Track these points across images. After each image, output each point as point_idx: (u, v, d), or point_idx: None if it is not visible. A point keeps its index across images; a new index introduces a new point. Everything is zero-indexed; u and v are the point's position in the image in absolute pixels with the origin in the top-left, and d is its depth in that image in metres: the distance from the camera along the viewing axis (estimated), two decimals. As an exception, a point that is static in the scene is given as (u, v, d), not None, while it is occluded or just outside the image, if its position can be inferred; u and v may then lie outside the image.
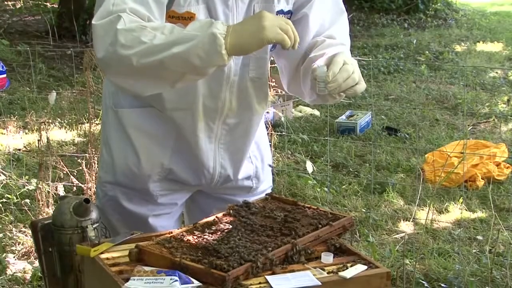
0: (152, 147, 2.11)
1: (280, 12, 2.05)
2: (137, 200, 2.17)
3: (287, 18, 2.06)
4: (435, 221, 4.44)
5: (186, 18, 1.93)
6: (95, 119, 4.68)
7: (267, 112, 5.22)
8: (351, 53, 2.10)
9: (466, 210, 4.64)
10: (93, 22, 1.84)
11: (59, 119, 6.00)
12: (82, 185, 4.18)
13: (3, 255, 3.83)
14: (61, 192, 4.16)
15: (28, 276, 3.68)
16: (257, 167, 2.26)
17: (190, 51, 1.77)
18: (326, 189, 4.73)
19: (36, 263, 3.64)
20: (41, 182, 4.06)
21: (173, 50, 1.77)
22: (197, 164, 2.13)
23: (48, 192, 4.06)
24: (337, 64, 1.90)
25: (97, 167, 3.99)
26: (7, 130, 5.70)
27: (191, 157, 2.12)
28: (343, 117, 6.31)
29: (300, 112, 6.66)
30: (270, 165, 2.28)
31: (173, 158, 2.12)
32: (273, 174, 2.69)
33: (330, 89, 1.89)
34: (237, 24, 1.85)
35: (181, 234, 1.80)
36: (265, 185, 2.31)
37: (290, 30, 1.83)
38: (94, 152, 4.02)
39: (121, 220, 2.18)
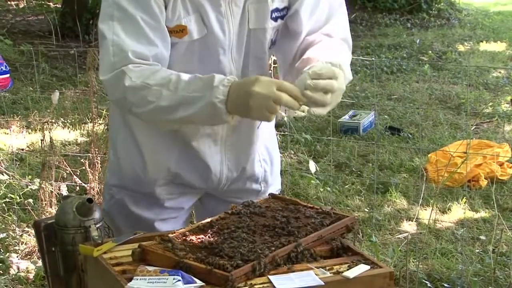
0: (158, 151, 2.09)
1: (275, 10, 2.01)
2: (144, 204, 2.16)
3: (284, 15, 2.03)
4: (438, 221, 4.43)
5: (178, 31, 1.93)
6: (98, 119, 4.68)
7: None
8: (354, 53, 2.08)
9: (469, 210, 4.64)
10: (100, 77, 1.90)
11: (62, 119, 6.00)
12: (85, 185, 4.18)
13: (7, 255, 3.84)
14: (64, 191, 4.17)
15: (31, 275, 3.68)
16: (266, 171, 2.24)
17: (194, 116, 1.86)
18: (329, 189, 4.73)
19: (39, 263, 3.65)
20: (44, 182, 4.06)
21: (179, 114, 1.86)
22: (204, 168, 2.11)
23: (51, 191, 4.06)
24: (319, 64, 1.86)
25: (100, 167, 4.00)
26: (10, 130, 5.71)
27: (197, 162, 2.09)
28: (346, 117, 6.31)
29: (303, 112, 6.64)
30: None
31: (180, 162, 2.10)
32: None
33: (312, 77, 1.84)
34: (234, 89, 1.82)
35: (184, 234, 1.80)
36: (273, 189, 2.27)
37: (278, 109, 1.82)
38: (97, 152, 4.02)
39: (128, 223, 2.16)
